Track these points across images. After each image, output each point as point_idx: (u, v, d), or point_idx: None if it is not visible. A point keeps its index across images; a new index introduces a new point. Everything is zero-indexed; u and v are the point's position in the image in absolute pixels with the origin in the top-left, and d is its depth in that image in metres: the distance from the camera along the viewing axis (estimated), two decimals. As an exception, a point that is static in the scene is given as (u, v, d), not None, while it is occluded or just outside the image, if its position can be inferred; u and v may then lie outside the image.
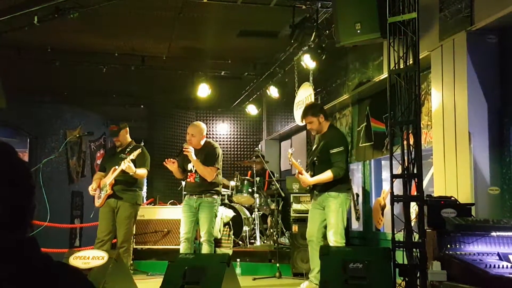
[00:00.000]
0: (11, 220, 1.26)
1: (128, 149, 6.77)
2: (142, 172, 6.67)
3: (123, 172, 6.48)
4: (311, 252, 5.90)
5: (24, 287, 1.20)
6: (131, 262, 7.13)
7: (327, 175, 5.75)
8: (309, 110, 6.07)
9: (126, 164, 6.41)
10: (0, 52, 8.06)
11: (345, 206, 5.83)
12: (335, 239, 5.70)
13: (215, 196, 6.39)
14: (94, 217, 9.55)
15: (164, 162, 6.43)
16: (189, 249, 6.25)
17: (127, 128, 6.90)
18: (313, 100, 8.38)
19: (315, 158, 5.97)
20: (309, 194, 6.57)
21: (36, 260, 1.25)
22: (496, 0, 5.13)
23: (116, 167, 6.56)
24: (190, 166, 6.45)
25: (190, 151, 6.25)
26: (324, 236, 5.87)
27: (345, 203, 5.83)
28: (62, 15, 6.91)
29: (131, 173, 6.48)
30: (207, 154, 6.43)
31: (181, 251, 6.21)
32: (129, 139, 6.92)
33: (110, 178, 6.59)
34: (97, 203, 6.74)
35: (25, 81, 9.63)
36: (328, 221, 5.80)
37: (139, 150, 6.56)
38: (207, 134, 6.78)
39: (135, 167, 6.51)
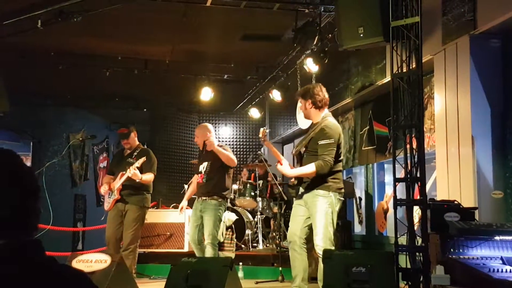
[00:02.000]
0: (15, 221, 1.27)
1: (135, 154, 6.85)
2: (149, 177, 6.73)
3: (129, 177, 6.58)
4: (293, 256, 5.18)
5: (28, 288, 1.20)
6: (134, 266, 7.14)
7: (309, 169, 4.99)
8: (302, 91, 5.37)
9: (132, 172, 6.49)
10: (4, 55, 8.07)
11: (335, 207, 5.03)
12: (324, 245, 4.95)
13: (221, 200, 6.32)
14: (98, 220, 9.56)
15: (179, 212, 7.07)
16: (200, 251, 6.29)
17: (136, 131, 7.01)
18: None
19: (303, 149, 5.23)
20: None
21: (40, 262, 1.26)
22: (499, 3, 5.13)
23: (124, 172, 6.64)
24: (201, 168, 6.48)
25: (212, 141, 6.23)
26: (308, 239, 5.15)
27: (336, 204, 5.04)
28: (66, 18, 6.92)
29: (137, 180, 6.57)
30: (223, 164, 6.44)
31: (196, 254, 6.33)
32: (137, 142, 7.02)
33: (117, 183, 6.67)
34: (106, 207, 6.86)
35: (28, 85, 9.64)
36: (315, 224, 5.02)
37: (143, 158, 6.63)
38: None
39: (142, 172, 6.60)
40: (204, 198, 6.31)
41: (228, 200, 6.55)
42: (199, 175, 6.46)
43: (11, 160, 1.34)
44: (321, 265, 4.92)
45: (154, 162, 6.86)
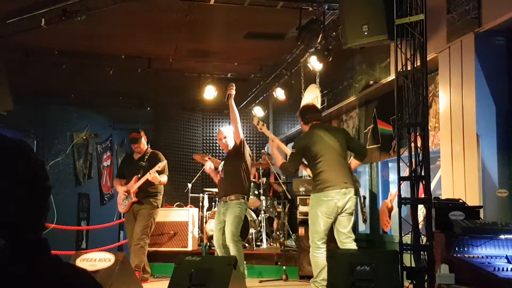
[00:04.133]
0: (26, 221, 1.25)
1: (146, 157, 7.13)
2: (165, 179, 7.11)
3: (147, 180, 6.88)
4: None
5: (34, 287, 1.19)
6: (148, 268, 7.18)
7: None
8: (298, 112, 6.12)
9: (153, 175, 6.83)
10: (8, 54, 8.08)
11: (319, 208, 5.42)
12: (310, 242, 5.52)
13: (241, 199, 6.37)
14: (101, 219, 9.57)
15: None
16: (224, 254, 6.35)
17: (145, 135, 7.27)
18: (319, 102, 8.37)
19: None
20: None
21: (46, 261, 1.25)
22: (504, 1, 5.10)
23: (139, 175, 6.93)
24: (219, 167, 6.70)
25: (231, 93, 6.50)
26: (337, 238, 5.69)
27: (319, 204, 5.42)
28: (70, 17, 6.93)
29: (156, 183, 6.94)
30: (235, 149, 6.58)
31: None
32: (146, 146, 7.25)
33: (134, 186, 6.93)
34: (121, 209, 7.13)
35: (32, 83, 9.65)
36: None
37: (164, 162, 7.01)
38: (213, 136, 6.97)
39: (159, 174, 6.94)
40: (226, 200, 6.40)
41: (247, 200, 6.54)
42: (218, 173, 6.65)
43: (29, 156, 1.30)
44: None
45: (166, 164, 7.16)
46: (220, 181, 6.56)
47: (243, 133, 13.28)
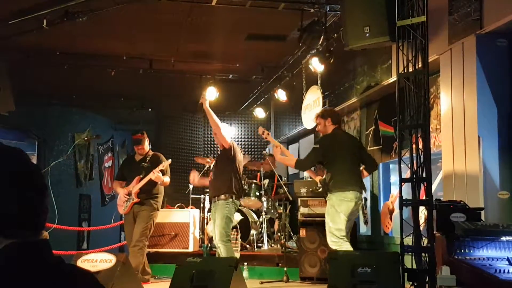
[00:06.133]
0: (23, 220, 1.26)
1: (148, 158, 7.12)
2: (168, 180, 7.09)
3: (149, 180, 6.85)
4: None
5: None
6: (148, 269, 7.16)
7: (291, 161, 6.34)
8: (320, 112, 6.37)
9: (156, 175, 6.80)
10: (10, 55, 8.10)
11: (338, 207, 5.68)
12: (329, 241, 5.76)
13: (228, 198, 6.28)
14: (102, 220, 9.57)
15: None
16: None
17: (147, 137, 7.28)
18: (321, 103, 8.38)
19: None
20: (317, 198, 7.05)
21: (48, 262, 1.25)
22: (506, 3, 5.10)
23: (140, 176, 6.91)
24: (212, 167, 6.70)
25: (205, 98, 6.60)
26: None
27: (337, 204, 5.69)
28: (71, 18, 6.94)
29: (159, 182, 6.92)
30: (224, 153, 6.56)
31: None
32: (148, 147, 7.26)
33: (136, 187, 6.91)
34: (122, 210, 7.08)
35: (33, 84, 9.66)
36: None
37: (169, 161, 7.04)
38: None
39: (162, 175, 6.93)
40: (215, 200, 6.38)
41: (237, 199, 6.43)
42: (210, 173, 6.62)
43: (19, 158, 1.33)
44: None
45: (168, 164, 7.18)
46: (210, 181, 6.56)
47: (244, 134, 13.31)
